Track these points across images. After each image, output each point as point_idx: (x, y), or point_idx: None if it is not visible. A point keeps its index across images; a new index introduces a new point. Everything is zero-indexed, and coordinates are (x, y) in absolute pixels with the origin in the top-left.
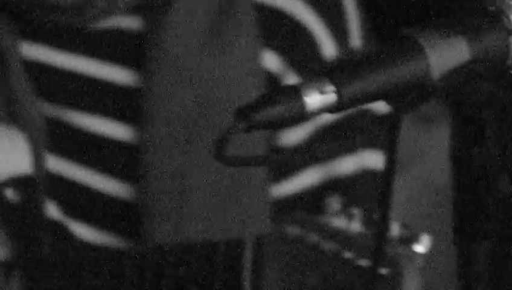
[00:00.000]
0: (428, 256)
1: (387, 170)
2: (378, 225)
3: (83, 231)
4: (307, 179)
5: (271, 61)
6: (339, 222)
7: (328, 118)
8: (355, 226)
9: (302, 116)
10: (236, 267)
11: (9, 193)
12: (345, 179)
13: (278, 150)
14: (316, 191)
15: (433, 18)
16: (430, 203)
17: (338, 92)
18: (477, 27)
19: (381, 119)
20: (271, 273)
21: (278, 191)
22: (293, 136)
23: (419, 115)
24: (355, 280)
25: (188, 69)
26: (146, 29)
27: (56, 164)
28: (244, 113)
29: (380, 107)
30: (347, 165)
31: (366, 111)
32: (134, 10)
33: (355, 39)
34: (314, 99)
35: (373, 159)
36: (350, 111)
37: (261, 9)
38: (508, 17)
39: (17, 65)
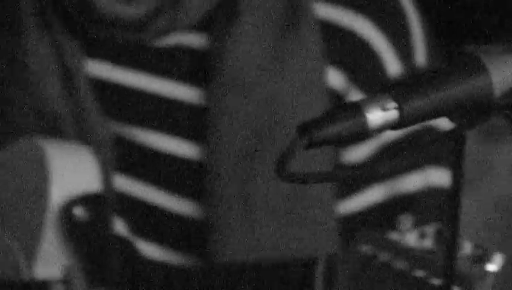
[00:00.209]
0: (501, 275)
1: (455, 186)
2: (448, 243)
3: (149, 249)
4: (372, 196)
5: (335, 78)
6: (410, 240)
7: (392, 134)
8: (427, 244)
9: (364, 133)
10: (308, 285)
11: (79, 211)
12: (411, 196)
13: (342, 167)
14: (382, 208)
15: (496, 36)
16: (501, 220)
17: (400, 109)
18: None
19: (445, 135)
20: None
21: (344, 208)
22: (357, 153)
23: (486, 129)
24: None
25: (253, 86)
26: (211, 46)
27: (122, 182)
28: (306, 129)
29: (444, 123)
30: (412, 182)
31: (430, 127)
32: (198, 27)
33: (420, 56)
34: (376, 116)
35: (438, 176)
36: (414, 128)
37: (326, 25)
38: None
39: (84, 83)
